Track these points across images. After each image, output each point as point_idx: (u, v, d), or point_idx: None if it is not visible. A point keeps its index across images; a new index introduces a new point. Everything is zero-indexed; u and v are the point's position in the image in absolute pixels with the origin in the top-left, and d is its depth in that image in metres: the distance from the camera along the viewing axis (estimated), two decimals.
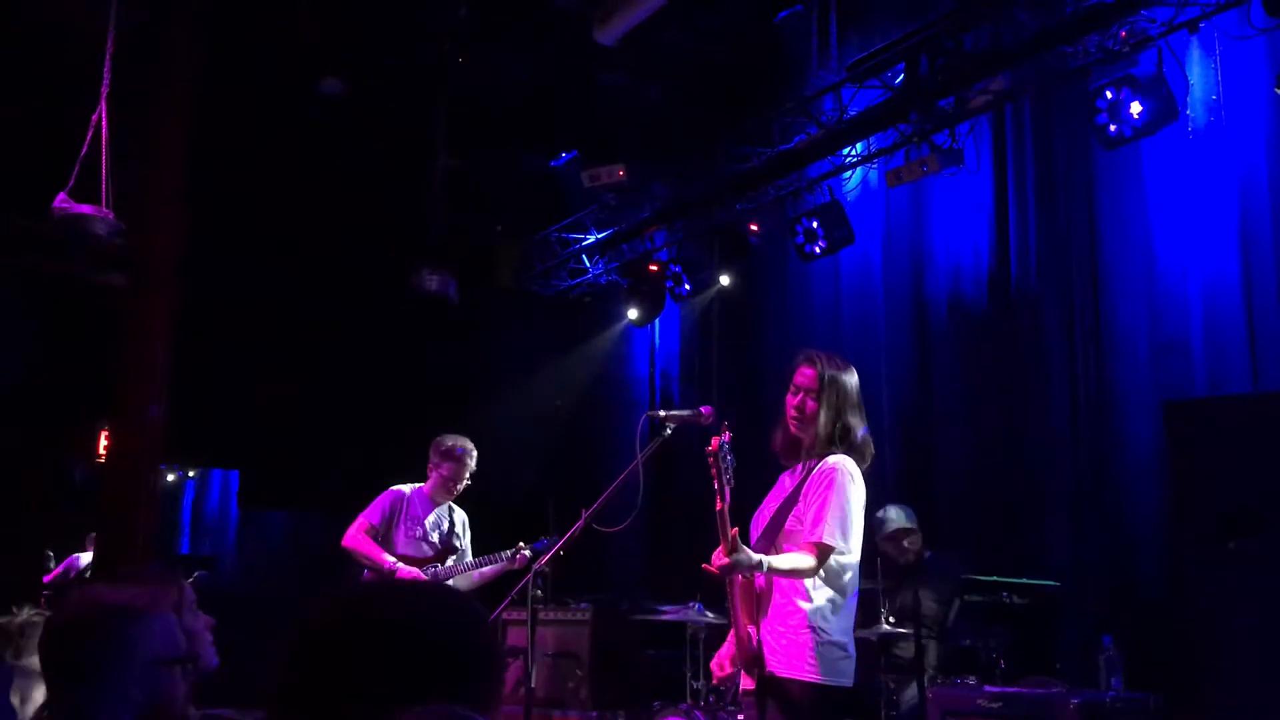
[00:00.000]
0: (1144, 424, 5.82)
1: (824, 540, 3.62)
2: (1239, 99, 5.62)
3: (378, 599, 1.53)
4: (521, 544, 6.24)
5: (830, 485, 3.69)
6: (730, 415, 4.02)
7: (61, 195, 5.55)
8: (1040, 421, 6.41)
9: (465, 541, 6.43)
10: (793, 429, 3.85)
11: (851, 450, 3.80)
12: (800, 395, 3.83)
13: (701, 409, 3.93)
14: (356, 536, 6.14)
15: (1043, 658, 5.46)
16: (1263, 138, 5.54)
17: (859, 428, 3.84)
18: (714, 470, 3.60)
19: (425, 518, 6.28)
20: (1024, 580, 5.44)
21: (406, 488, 6.32)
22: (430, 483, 6.31)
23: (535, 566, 4.44)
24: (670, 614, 6.20)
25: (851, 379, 3.88)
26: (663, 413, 4.02)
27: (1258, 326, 5.47)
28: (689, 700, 6.22)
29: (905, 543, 5.96)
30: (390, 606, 1.47)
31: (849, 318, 7.76)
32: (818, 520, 3.66)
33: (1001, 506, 6.47)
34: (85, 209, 5.52)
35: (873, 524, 6.05)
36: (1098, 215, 6.28)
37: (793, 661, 3.59)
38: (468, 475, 6.28)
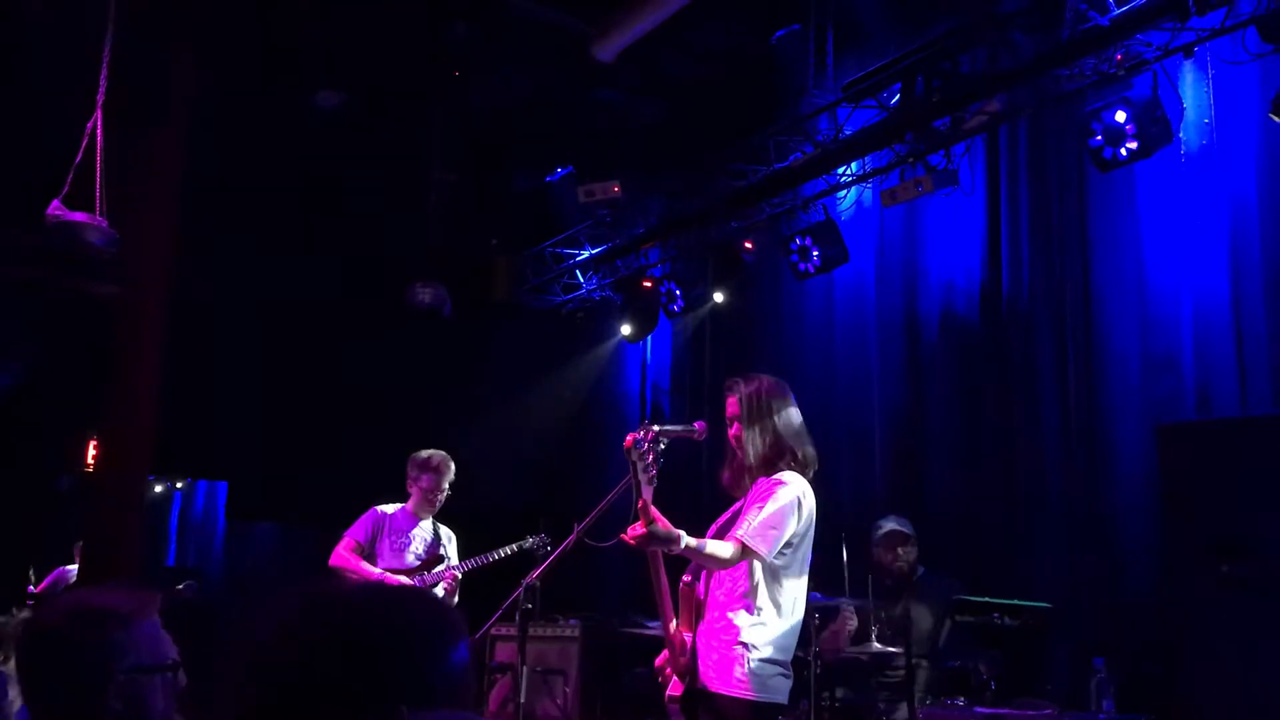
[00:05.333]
0: (1135, 444, 5.82)
1: (743, 539, 3.67)
2: (1231, 123, 5.65)
3: (335, 605, 1.50)
4: (449, 563, 6.30)
5: (769, 496, 3.75)
6: (723, 432, 4.04)
7: (55, 203, 5.54)
8: (1032, 441, 6.41)
9: (452, 555, 6.44)
10: (739, 458, 3.93)
11: (796, 465, 3.85)
12: (733, 424, 3.94)
13: (695, 424, 3.93)
14: (343, 555, 6.20)
15: (1033, 679, 5.44)
16: (1253, 162, 5.57)
17: (798, 444, 3.89)
18: (631, 467, 3.66)
19: (410, 531, 6.32)
20: (1015, 601, 5.41)
21: (388, 507, 6.39)
22: (412, 499, 6.37)
23: (526, 581, 4.41)
24: (659, 630, 6.15)
25: (778, 396, 3.94)
26: (656, 427, 4.00)
27: (1246, 347, 5.49)
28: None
29: (900, 550, 5.92)
30: (349, 611, 1.46)
31: (842, 336, 7.77)
32: (744, 520, 3.72)
33: (993, 526, 6.46)
34: (79, 217, 5.50)
35: (872, 534, 6.05)
36: (1090, 236, 6.30)
37: (723, 676, 3.65)
38: (447, 485, 6.34)
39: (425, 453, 6.40)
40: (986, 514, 6.49)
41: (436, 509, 6.40)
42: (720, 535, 3.85)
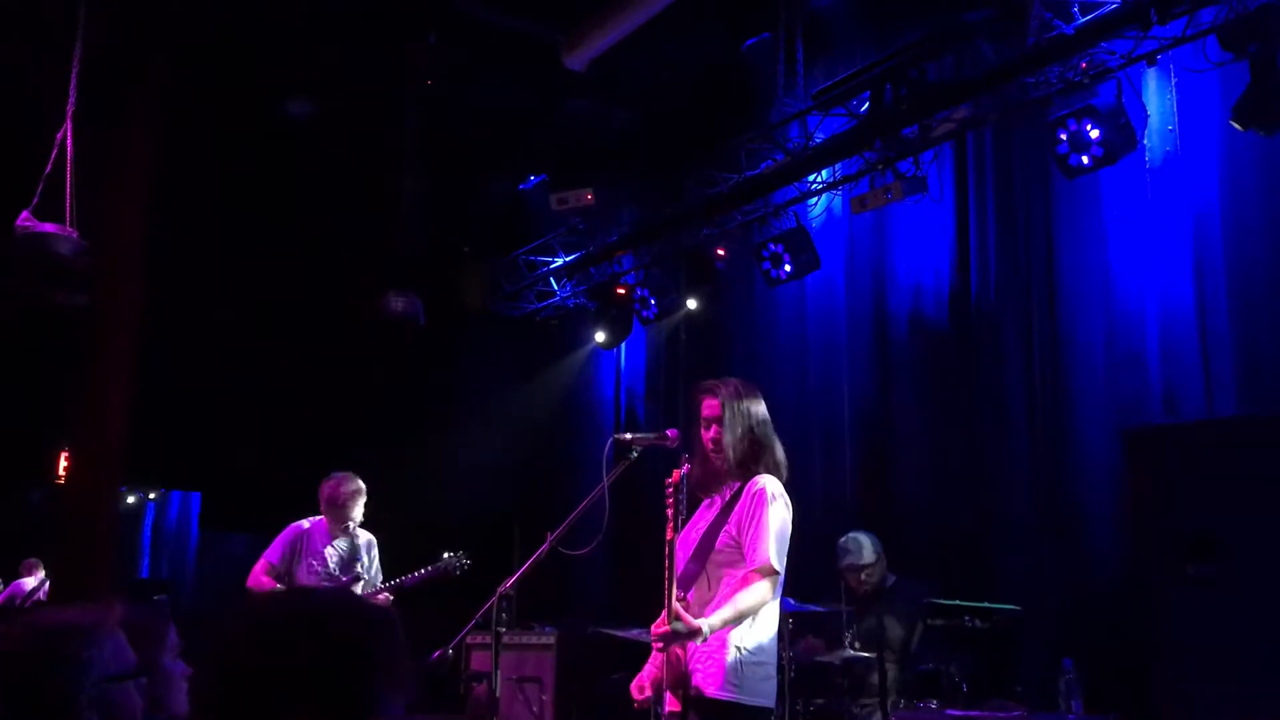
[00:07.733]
0: (1102, 446, 5.89)
1: (769, 562, 3.68)
2: (1194, 130, 5.73)
3: (277, 614, 1.60)
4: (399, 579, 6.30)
5: (761, 506, 3.76)
6: (694, 436, 4.06)
7: (25, 214, 5.51)
8: (1000, 443, 6.48)
9: (373, 564, 6.42)
10: (714, 461, 3.91)
11: (771, 467, 3.89)
12: (711, 426, 3.91)
13: (668, 432, 3.95)
14: (259, 579, 6.19)
15: (1004, 681, 5.48)
16: (1215, 167, 5.65)
17: (773, 446, 3.92)
18: (671, 500, 3.66)
19: (325, 549, 6.29)
20: (985, 604, 5.46)
21: (307, 522, 6.34)
22: (325, 518, 6.35)
23: (500, 589, 4.41)
24: (635, 636, 6.17)
25: (754, 398, 3.95)
26: (629, 435, 4.02)
27: (1211, 351, 5.57)
28: None
29: (863, 575, 5.96)
30: (290, 619, 1.54)
31: (814, 341, 7.81)
32: (756, 543, 3.72)
33: (962, 528, 6.51)
34: (49, 227, 5.47)
35: (836, 551, 6.08)
36: (1056, 241, 6.38)
37: (715, 680, 3.65)
38: (355, 515, 6.28)
39: (330, 486, 6.29)
40: (955, 516, 6.55)
41: (350, 531, 6.35)
42: (708, 540, 3.84)
